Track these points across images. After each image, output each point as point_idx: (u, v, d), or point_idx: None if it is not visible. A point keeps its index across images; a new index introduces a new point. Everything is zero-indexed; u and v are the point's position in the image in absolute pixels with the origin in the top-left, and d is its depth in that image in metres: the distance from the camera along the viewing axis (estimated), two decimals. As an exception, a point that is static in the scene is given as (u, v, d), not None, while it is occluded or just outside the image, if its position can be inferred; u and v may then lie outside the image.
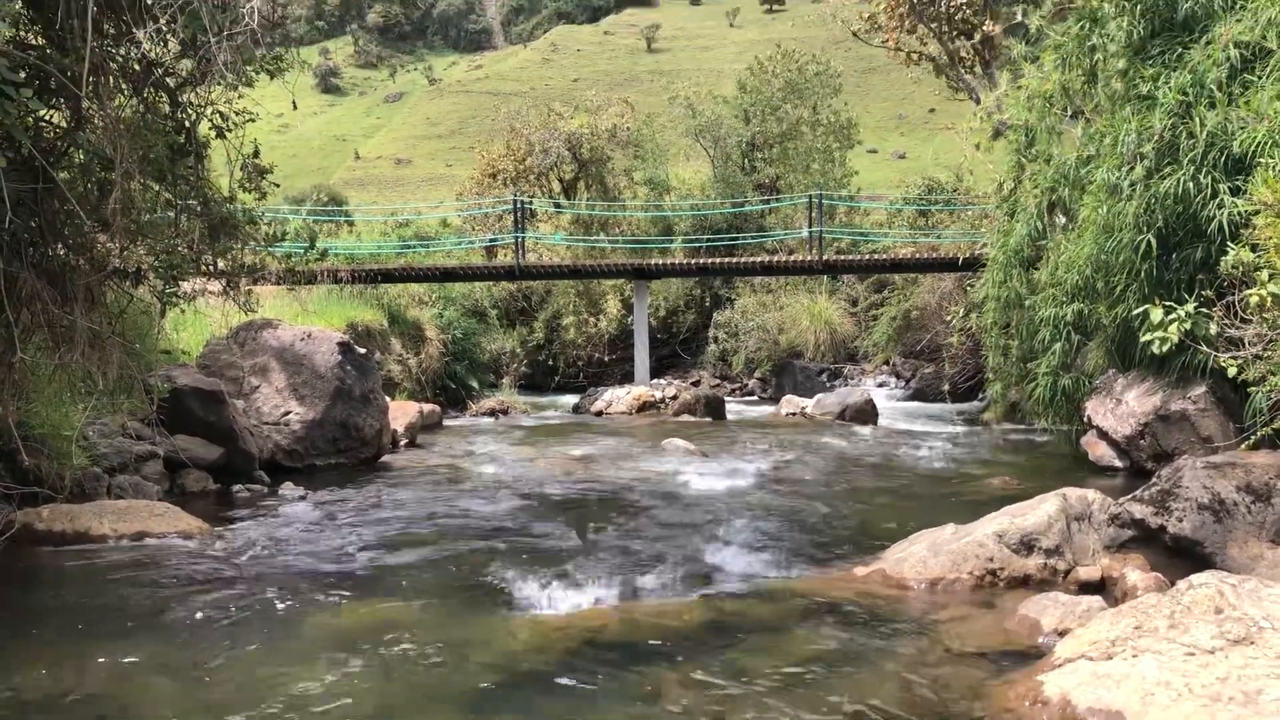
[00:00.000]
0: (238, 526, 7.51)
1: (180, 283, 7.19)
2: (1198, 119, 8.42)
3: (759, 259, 21.52)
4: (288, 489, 9.01)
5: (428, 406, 14.34)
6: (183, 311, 8.15)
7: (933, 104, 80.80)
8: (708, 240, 24.96)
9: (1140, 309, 7.06)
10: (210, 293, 8.34)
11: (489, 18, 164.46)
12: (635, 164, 29.15)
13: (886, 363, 21.76)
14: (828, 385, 21.00)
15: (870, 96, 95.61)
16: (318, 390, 10.69)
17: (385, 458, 11.23)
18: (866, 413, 15.37)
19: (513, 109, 33.11)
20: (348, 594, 5.63)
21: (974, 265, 14.56)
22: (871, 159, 65.64)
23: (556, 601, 5.50)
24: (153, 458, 8.76)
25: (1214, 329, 6.50)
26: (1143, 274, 8.73)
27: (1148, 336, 6.52)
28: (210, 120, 7.29)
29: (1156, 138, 8.66)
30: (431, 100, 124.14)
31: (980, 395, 16.65)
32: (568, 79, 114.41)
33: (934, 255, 19.04)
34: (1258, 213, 6.88)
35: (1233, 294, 6.54)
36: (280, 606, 5.38)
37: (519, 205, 21.54)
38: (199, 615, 5.22)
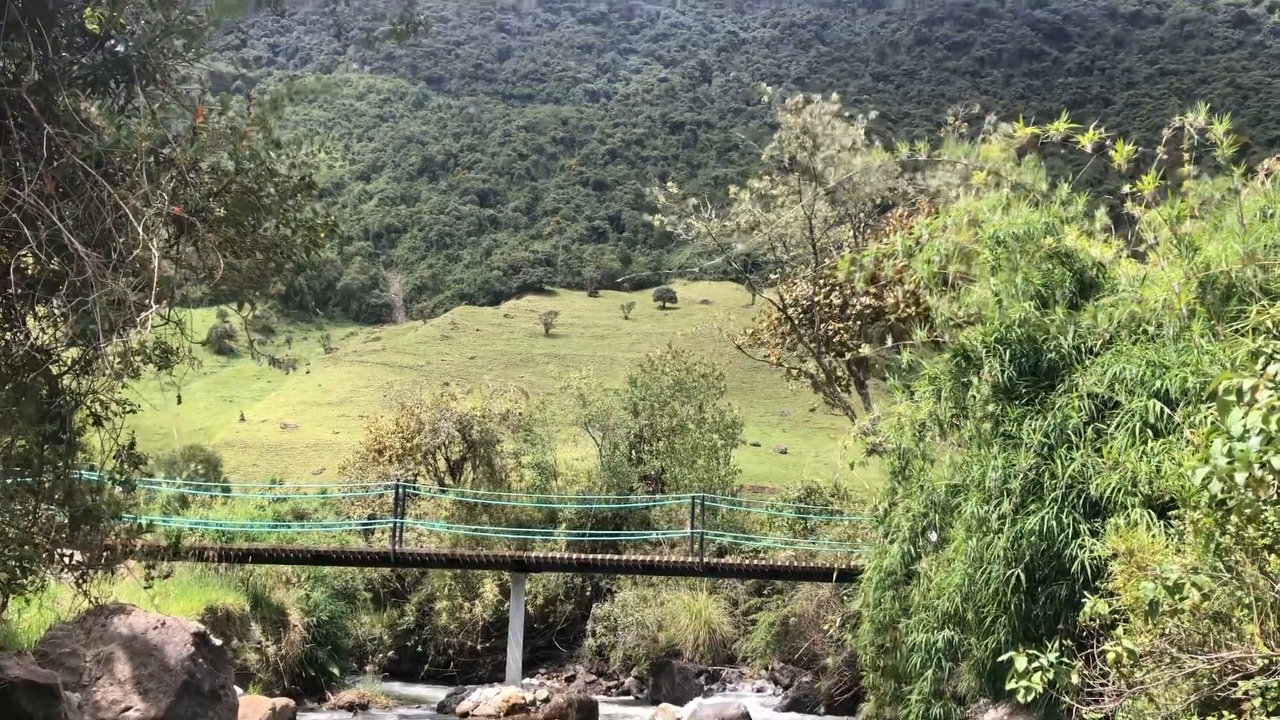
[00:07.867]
0: None
1: (29, 575, 6.81)
2: (1059, 461, 8.92)
3: (640, 557, 21.49)
4: (113, 801, 8.21)
5: (281, 702, 13.46)
6: (28, 601, 7.69)
7: (813, 404, 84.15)
8: (591, 534, 24.86)
9: (1006, 655, 7.21)
10: (66, 567, 7.91)
11: (392, 294, 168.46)
12: (524, 447, 29.34)
13: (765, 668, 21.45)
14: (705, 689, 20.55)
15: (755, 393, 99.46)
16: (164, 684, 9.98)
17: (229, 762, 10.41)
18: (742, 726, 14.99)
19: (405, 385, 33.39)
20: None
21: (850, 577, 14.71)
22: (755, 452, 67.42)
23: None
24: (-36, 762, 7.96)
25: (1075, 678, 6.62)
26: (1011, 607, 8.93)
27: (1013, 685, 6.60)
28: (89, 408, 7.17)
29: (1022, 476, 9.11)
30: (325, 368, 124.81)
31: (858, 709, 16.40)
32: (465, 356, 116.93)
33: (811, 564, 19.22)
34: (1114, 557, 7.19)
35: (1093, 643, 6.70)
36: None
37: (400, 489, 21.27)
38: None
